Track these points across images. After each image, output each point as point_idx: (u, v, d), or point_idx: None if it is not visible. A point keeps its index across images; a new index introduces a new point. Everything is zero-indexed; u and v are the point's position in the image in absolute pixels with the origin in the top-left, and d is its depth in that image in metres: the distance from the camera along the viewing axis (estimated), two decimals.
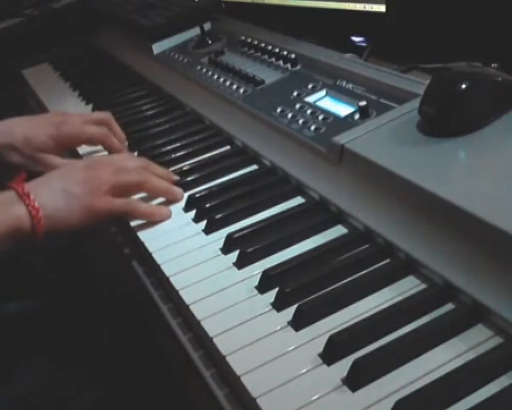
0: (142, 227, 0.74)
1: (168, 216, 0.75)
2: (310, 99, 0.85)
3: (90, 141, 0.90)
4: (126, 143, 0.94)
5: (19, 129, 0.86)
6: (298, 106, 0.84)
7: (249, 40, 1.09)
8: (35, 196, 0.67)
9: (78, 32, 1.57)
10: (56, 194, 0.69)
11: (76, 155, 0.95)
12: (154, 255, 0.69)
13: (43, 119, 0.92)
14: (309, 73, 0.92)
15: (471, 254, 0.53)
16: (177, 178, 0.81)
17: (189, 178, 0.82)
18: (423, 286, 0.57)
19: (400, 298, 0.56)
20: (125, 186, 0.74)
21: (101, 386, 0.76)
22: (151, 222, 0.74)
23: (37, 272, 0.89)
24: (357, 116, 0.76)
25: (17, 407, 0.71)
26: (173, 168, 0.85)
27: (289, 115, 0.82)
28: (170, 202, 0.78)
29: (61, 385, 0.74)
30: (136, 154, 0.92)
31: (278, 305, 0.58)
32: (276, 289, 0.59)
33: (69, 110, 1.07)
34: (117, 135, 0.92)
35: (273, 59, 1.00)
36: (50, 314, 0.80)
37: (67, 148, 0.91)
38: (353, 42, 1.09)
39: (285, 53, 0.98)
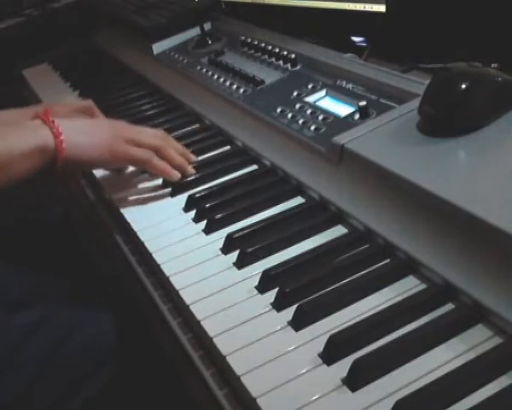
0: (142, 227, 0.74)
1: (177, 177, 0.80)
2: (310, 99, 0.85)
3: None
4: None
5: (3, 117, 0.87)
6: (298, 106, 0.84)
7: (249, 40, 1.09)
8: (58, 124, 0.74)
9: (78, 32, 1.57)
10: (79, 127, 0.77)
11: None
12: (154, 255, 0.69)
13: (30, 110, 0.92)
14: (309, 73, 0.92)
15: (471, 254, 0.53)
16: (193, 157, 0.85)
17: (189, 178, 0.82)
18: (423, 286, 0.57)
19: (400, 298, 0.56)
20: (143, 145, 0.79)
21: (101, 386, 0.76)
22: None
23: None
24: (357, 116, 0.76)
25: (15, 402, 0.71)
26: None
27: (289, 115, 0.82)
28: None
29: (59, 383, 0.74)
30: None
31: (278, 305, 0.58)
32: (276, 289, 0.59)
33: None
34: None
35: (273, 59, 1.00)
36: (49, 314, 0.80)
37: None
38: (353, 42, 1.09)
39: (285, 53, 0.98)
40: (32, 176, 0.72)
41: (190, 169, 0.82)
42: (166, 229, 0.74)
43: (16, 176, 0.72)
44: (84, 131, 0.77)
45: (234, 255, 0.66)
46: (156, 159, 0.79)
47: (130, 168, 0.89)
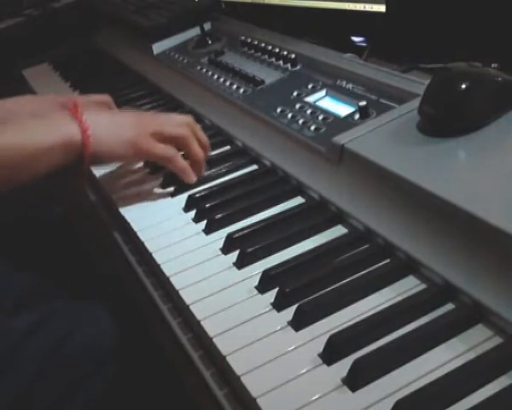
0: (142, 227, 0.74)
1: (193, 181, 0.80)
2: (310, 99, 0.85)
3: None
4: None
5: (27, 107, 0.87)
6: (298, 106, 0.84)
7: (249, 40, 1.09)
8: (86, 118, 0.74)
9: (78, 32, 1.57)
10: (105, 123, 0.77)
11: None
12: (154, 255, 0.69)
13: (48, 98, 0.92)
14: (309, 73, 0.92)
15: (471, 254, 0.53)
16: (211, 153, 0.85)
17: None
18: (423, 286, 0.57)
19: (400, 298, 0.56)
20: (167, 137, 0.78)
21: (101, 385, 0.76)
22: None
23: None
24: (357, 116, 0.76)
25: (15, 402, 0.71)
26: None
27: (289, 115, 0.82)
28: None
29: (59, 383, 0.74)
30: None
31: (278, 305, 0.58)
32: (276, 289, 0.59)
33: None
34: None
35: (273, 59, 1.00)
36: (49, 314, 0.80)
37: None
38: (353, 42, 1.09)
39: (285, 53, 0.98)
40: (54, 173, 0.71)
41: (204, 172, 0.82)
42: (166, 229, 0.74)
43: (38, 172, 0.71)
44: (110, 125, 0.77)
45: (234, 255, 0.66)
46: (179, 158, 0.78)
47: (131, 168, 0.89)
